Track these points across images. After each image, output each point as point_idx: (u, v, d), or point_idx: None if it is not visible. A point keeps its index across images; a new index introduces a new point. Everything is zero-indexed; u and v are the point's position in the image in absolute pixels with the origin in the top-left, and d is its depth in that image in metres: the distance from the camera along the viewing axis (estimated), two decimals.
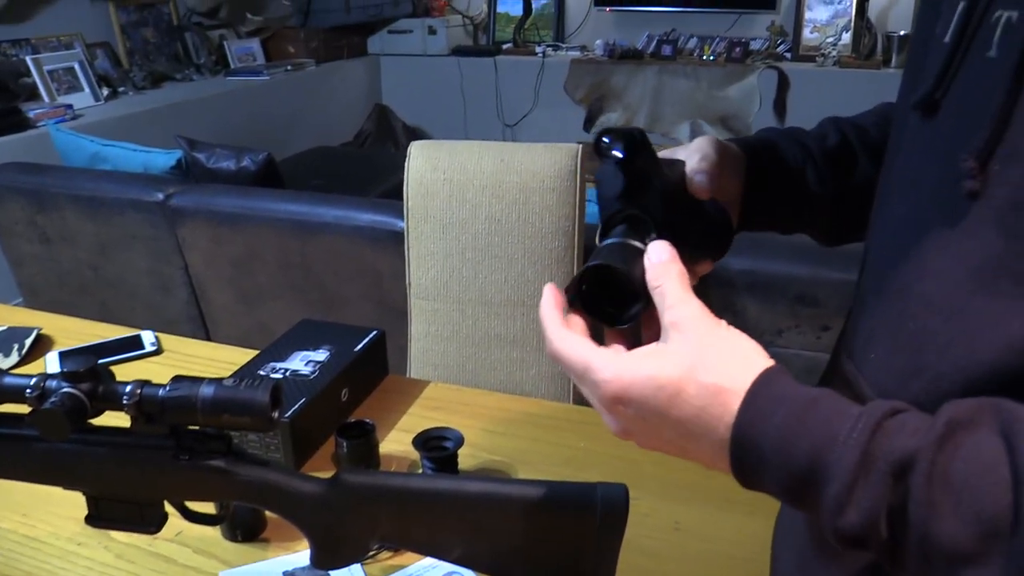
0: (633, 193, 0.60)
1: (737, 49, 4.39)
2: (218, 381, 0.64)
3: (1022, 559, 0.37)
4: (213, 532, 0.84)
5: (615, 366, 0.48)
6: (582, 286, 0.55)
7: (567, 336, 0.52)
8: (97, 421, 0.66)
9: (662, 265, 0.52)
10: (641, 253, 0.55)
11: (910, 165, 0.56)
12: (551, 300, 0.53)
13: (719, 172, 0.65)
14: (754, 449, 0.45)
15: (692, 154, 0.66)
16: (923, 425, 0.41)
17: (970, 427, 0.40)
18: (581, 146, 1.45)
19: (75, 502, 0.71)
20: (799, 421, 0.44)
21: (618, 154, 0.59)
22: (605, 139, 0.59)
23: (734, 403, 0.45)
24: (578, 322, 0.54)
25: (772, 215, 0.73)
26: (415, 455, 0.89)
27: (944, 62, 0.51)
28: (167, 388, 0.63)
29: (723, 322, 0.50)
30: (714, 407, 0.46)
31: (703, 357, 0.47)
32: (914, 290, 0.52)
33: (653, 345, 0.50)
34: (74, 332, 1.32)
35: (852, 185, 0.72)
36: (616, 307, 0.55)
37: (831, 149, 0.73)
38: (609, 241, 0.58)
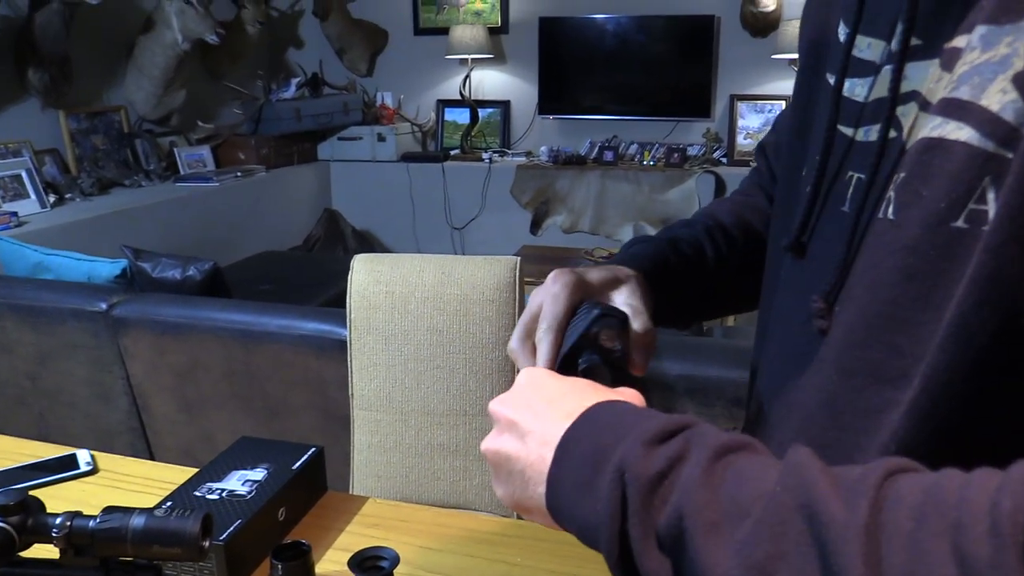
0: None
1: (675, 155, 4.58)
2: (149, 511, 0.64)
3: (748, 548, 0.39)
4: None
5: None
6: None
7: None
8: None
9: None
10: None
11: (784, 303, 0.62)
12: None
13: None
14: (577, 440, 0.50)
15: (636, 324, 0.68)
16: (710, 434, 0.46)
17: (747, 450, 0.44)
18: (519, 259, 1.50)
19: None
20: (622, 415, 0.49)
21: (616, 350, 0.63)
22: (605, 337, 0.62)
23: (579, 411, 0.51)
24: None
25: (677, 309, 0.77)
26: None
27: (806, 211, 0.57)
28: (97, 520, 0.64)
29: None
30: (564, 411, 0.52)
31: (574, 384, 0.56)
32: (785, 423, 0.57)
33: None
34: (7, 451, 1.30)
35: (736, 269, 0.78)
36: None
37: (711, 260, 0.78)
38: None
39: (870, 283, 0.50)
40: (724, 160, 4.59)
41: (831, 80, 0.57)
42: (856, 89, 0.55)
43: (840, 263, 0.52)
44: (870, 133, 0.53)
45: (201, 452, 2.10)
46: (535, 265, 3.41)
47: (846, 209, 0.53)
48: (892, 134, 0.51)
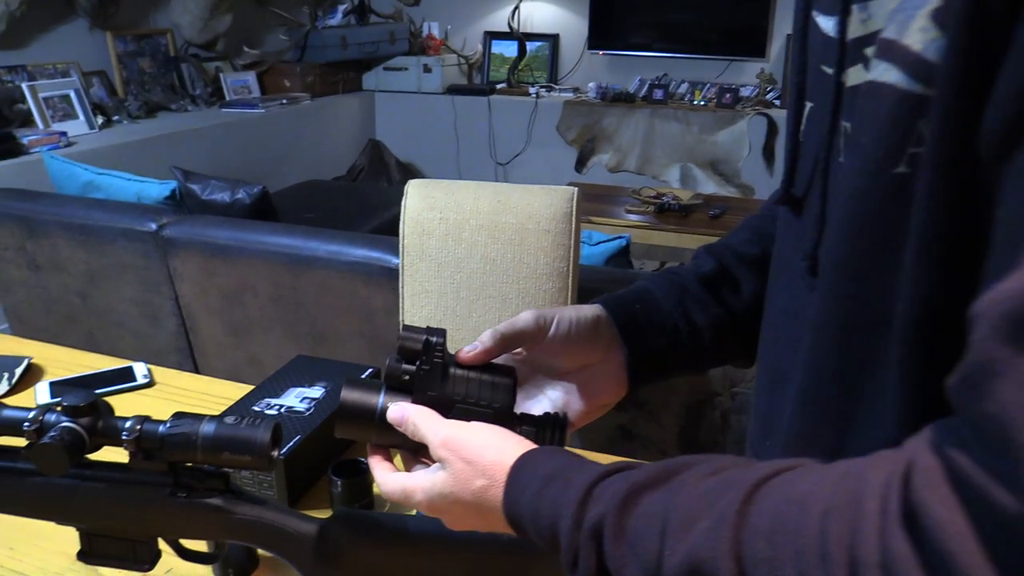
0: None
1: (727, 95, 4.46)
2: (219, 419, 0.63)
3: None
4: (204, 570, 0.83)
5: (422, 489, 0.58)
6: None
7: (388, 477, 0.61)
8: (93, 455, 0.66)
9: (400, 417, 0.60)
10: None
11: (782, 257, 0.61)
12: (376, 458, 0.63)
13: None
14: (520, 526, 0.53)
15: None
16: (619, 489, 0.48)
17: (650, 487, 0.47)
18: (577, 189, 1.47)
19: (64, 536, 0.70)
20: (539, 499, 0.51)
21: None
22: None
23: (498, 496, 0.54)
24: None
25: (663, 359, 0.71)
26: None
27: (788, 160, 0.57)
28: (168, 424, 0.63)
29: (475, 426, 0.58)
30: (487, 502, 0.55)
31: (467, 471, 0.56)
32: (791, 380, 0.56)
33: (435, 468, 0.58)
34: (64, 362, 1.31)
35: (742, 305, 0.73)
36: None
37: (708, 275, 0.73)
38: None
39: (836, 233, 0.49)
40: (777, 103, 4.45)
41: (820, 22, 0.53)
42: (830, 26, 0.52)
43: (818, 214, 0.51)
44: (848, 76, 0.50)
45: (247, 375, 2.12)
46: (585, 203, 3.36)
47: (841, 160, 0.51)
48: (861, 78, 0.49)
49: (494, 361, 0.64)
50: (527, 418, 0.62)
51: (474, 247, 1.46)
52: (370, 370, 1.06)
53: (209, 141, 3.85)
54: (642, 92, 4.68)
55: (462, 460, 0.56)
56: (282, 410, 0.96)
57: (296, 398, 0.99)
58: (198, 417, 0.63)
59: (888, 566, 0.34)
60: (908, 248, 0.42)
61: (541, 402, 0.69)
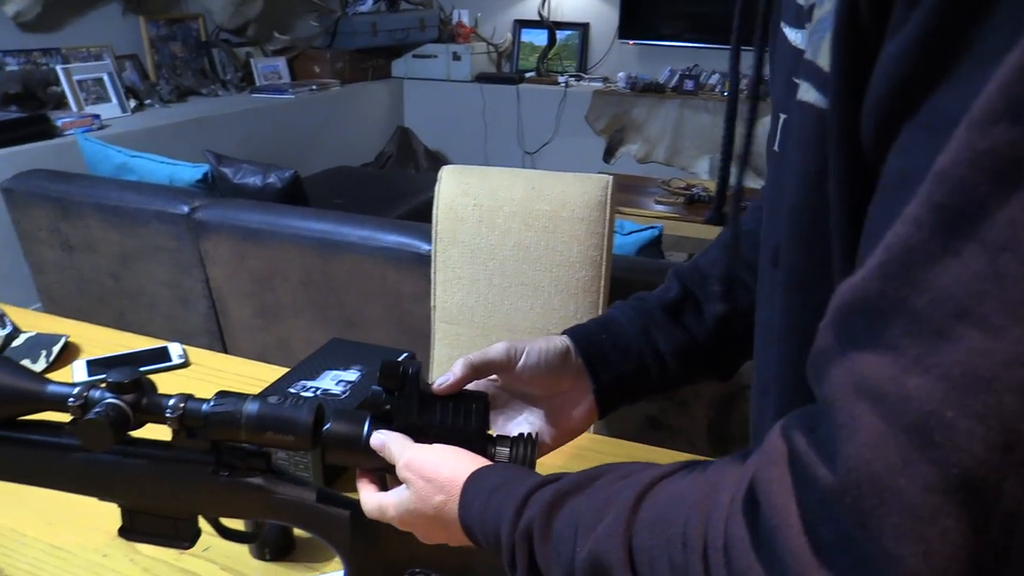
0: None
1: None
2: (262, 398, 0.63)
3: None
4: (241, 549, 0.84)
5: (393, 506, 0.62)
6: None
7: (367, 496, 0.65)
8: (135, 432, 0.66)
9: (381, 443, 0.64)
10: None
11: (759, 269, 0.63)
12: (362, 480, 0.67)
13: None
14: (472, 534, 0.58)
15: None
16: (547, 496, 0.52)
17: (572, 493, 0.51)
18: (611, 178, 1.45)
19: (102, 513, 0.71)
20: (486, 509, 0.56)
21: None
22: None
23: (455, 509, 0.58)
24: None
25: (630, 386, 0.75)
26: None
27: (727, 180, 0.61)
28: (211, 403, 0.63)
29: (435, 448, 0.62)
30: (447, 515, 0.59)
31: (427, 488, 0.60)
32: (772, 387, 0.57)
33: (403, 487, 0.63)
34: (100, 341, 1.32)
35: (704, 328, 0.76)
36: None
37: (671, 301, 0.77)
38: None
39: (784, 247, 0.50)
40: None
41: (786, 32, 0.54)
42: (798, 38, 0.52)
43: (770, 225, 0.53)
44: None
45: (276, 358, 2.12)
46: (619, 194, 3.33)
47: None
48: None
49: (469, 388, 0.69)
50: (502, 439, 0.66)
51: (507, 234, 1.46)
52: (405, 354, 1.06)
53: (239, 126, 3.87)
54: (672, 83, 4.64)
55: (422, 479, 0.60)
56: (318, 392, 0.96)
57: (332, 381, 0.99)
58: (241, 396, 0.63)
59: (728, 547, 0.37)
60: (834, 260, 0.44)
61: (521, 424, 0.74)
